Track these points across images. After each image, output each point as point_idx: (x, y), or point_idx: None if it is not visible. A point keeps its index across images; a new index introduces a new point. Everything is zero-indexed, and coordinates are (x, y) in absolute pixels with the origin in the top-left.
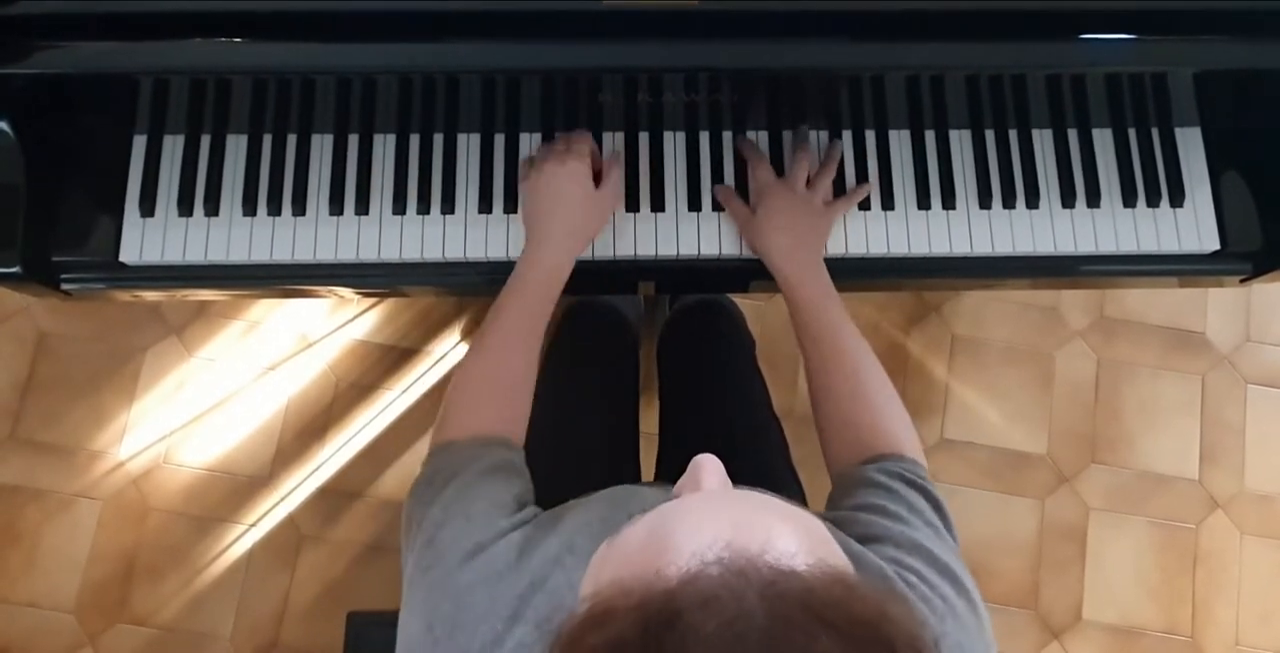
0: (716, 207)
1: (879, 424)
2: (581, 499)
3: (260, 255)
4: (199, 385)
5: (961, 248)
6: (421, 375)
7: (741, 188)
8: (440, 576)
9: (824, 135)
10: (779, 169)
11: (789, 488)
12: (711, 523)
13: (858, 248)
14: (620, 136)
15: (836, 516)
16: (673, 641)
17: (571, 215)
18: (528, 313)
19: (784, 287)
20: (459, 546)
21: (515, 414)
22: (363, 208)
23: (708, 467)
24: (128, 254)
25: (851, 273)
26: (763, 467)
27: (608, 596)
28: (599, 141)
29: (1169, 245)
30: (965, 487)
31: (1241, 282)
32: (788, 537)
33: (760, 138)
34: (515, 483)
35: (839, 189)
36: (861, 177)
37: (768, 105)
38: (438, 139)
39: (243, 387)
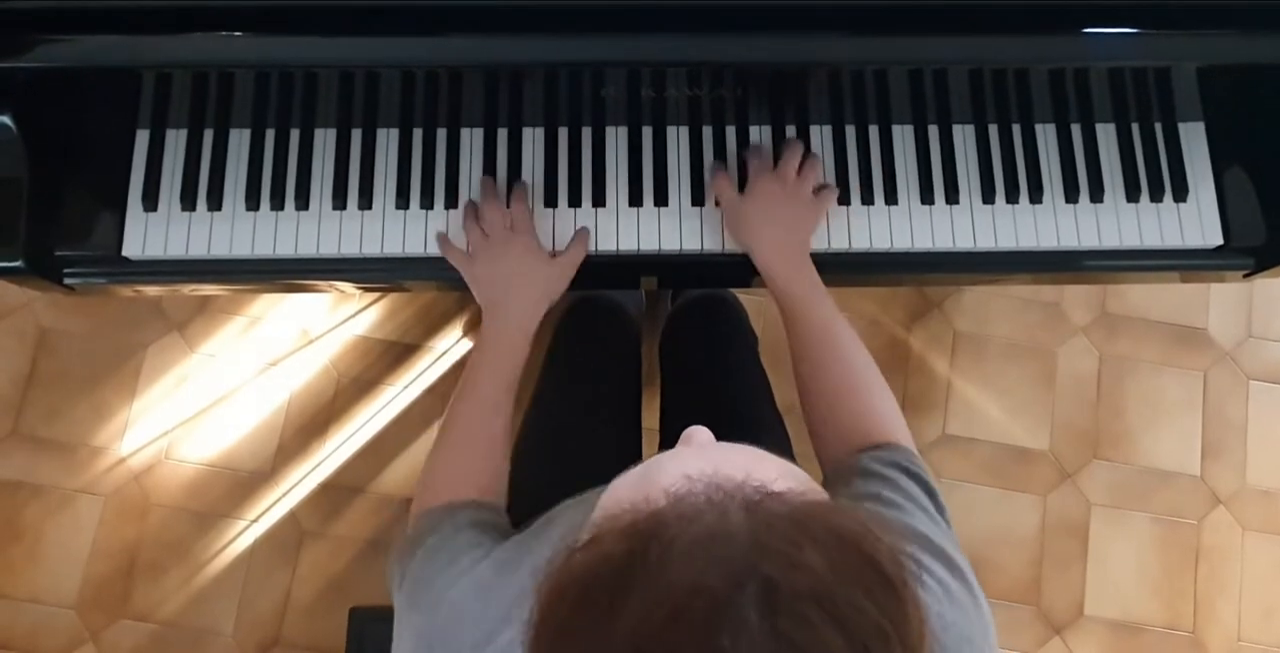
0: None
1: (871, 414)
2: (574, 500)
3: (263, 250)
4: (200, 381)
5: (964, 243)
6: (423, 371)
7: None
8: (430, 597)
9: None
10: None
11: None
12: (698, 459)
13: (861, 243)
14: (624, 131)
15: None
16: (658, 553)
17: (532, 288)
18: (498, 378)
19: (770, 280)
20: (444, 574)
21: (495, 476)
22: (366, 202)
23: (698, 432)
24: (130, 249)
25: (854, 268)
26: None
27: (595, 524)
28: (602, 136)
29: (1172, 240)
30: (967, 483)
31: (1245, 277)
32: (772, 468)
33: (764, 133)
34: (491, 534)
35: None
36: (865, 171)
37: (771, 100)
38: (441, 133)
39: (244, 382)
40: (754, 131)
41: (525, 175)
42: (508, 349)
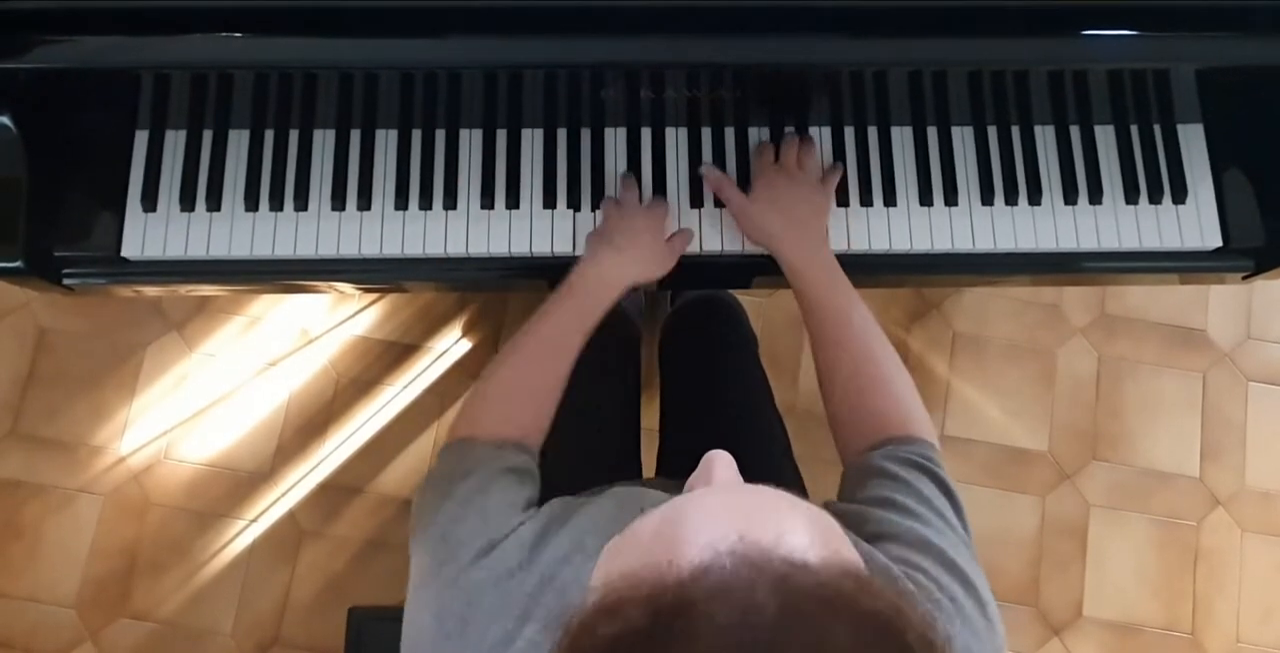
0: (719, 202)
1: (890, 406)
2: (590, 497)
3: (262, 251)
4: (200, 381)
5: (964, 244)
6: (422, 371)
7: (746, 185)
8: (453, 572)
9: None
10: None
11: (791, 485)
12: (724, 515)
13: (860, 244)
14: (622, 132)
15: (847, 509)
16: (683, 630)
17: (643, 252)
18: (574, 321)
19: (788, 270)
20: (473, 542)
21: (540, 421)
22: (365, 203)
23: (720, 462)
24: (130, 249)
25: (853, 269)
26: (765, 463)
27: (618, 587)
28: (601, 138)
29: (1171, 242)
30: (966, 484)
31: (1244, 279)
32: (800, 530)
33: (762, 135)
34: (528, 487)
35: (841, 191)
36: (864, 173)
37: (770, 102)
38: (440, 134)
39: (244, 382)
40: (753, 133)
41: (524, 176)
42: (596, 302)
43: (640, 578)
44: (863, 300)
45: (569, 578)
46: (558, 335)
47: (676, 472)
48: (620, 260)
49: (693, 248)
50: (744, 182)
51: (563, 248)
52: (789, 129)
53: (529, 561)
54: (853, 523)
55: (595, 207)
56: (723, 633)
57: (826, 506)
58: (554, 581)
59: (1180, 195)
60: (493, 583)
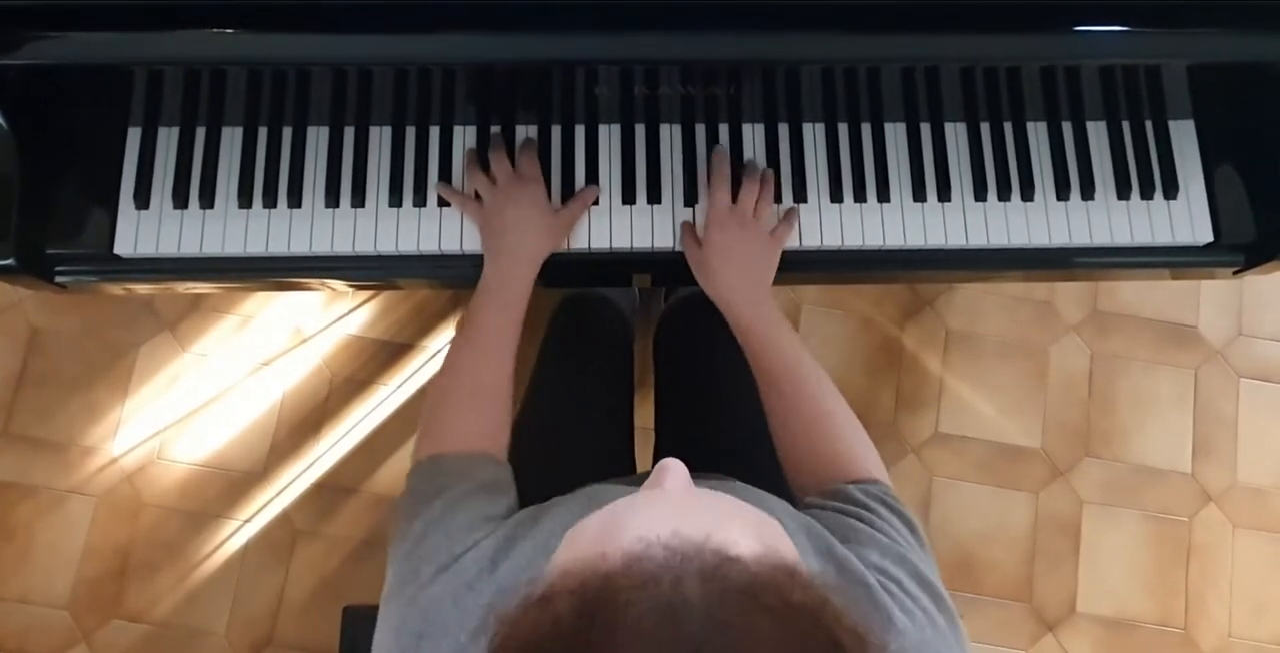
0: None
1: (846, 452)
2: (561, 499)
3: (255, 248)
4: (193, 380)
5: (956, 241)
6: (416, 370)
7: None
8: (413, 591)
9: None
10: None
11: (782, 482)
12: (662, 511)
13: (853, 240)
14: (617, 129)
15: (820, 514)
16: (606, 619)
17: (534, 236)
18: (500, 323)
19: (736, 326)
20: (435, 558)
21: (498, 425)
22: (359, 200)
23: (672, 469)
24: (122, 247)
25: (847, 266)
26: (759, 461)
27: (552, 579)
28: (595, 134)
29: (1163, 238)
30: (959, 480)
31: (1235, 274)
32: (736, 527)
33: (756, 131)
34: (501, 501)
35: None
36: (858, 169)
37: (764, 98)
38: (434, 131)
39: (237, 382)
40: (747, 129)
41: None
42: (514, 295)
43: (573, 571)
44: (853, 301)
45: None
46: (489, 336)
47: None
48: (521, 262)
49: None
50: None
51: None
52: (783, 132)
53: (487, 573)
54: (826, 523)
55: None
56: (643, 620)
57: (798, 505)
58: (514, 591)
59: (1171, 191)
60: (450, 598)
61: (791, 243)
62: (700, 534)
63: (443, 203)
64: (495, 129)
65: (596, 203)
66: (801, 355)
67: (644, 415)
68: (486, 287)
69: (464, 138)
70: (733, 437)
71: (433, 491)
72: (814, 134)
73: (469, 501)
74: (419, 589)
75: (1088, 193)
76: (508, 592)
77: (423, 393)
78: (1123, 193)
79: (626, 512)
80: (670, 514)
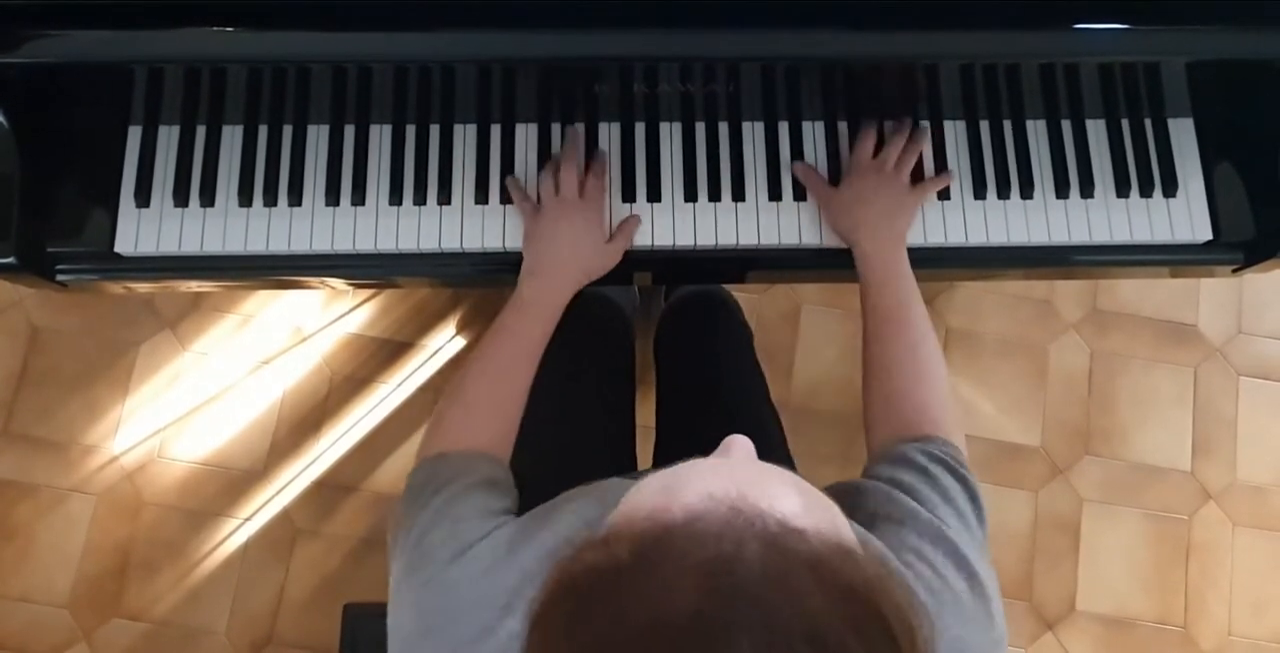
0: (713, 197)
1: (928, 404)
2: (576, 491)
3: (256, 246)
4: (193, 379)
5: (956, 238)
6: (416, 369)
7: (739, 181)
8: (429, 574)
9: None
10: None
11: None
12: (727, 474)
13: None
14: (616, 127)
15: (863, 484)
16: (666, 566)
17: (584, 261)
18: (530, 336)
19: (859, 257)
20: (446, 547)
21: (508, 432)
22: (359, 199)
23: (739, 443)
24: (123, 245)
25: (845, 265)
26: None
27: (614, 523)
28: (594, 132)
29: (1162, 235)
30: None
31: (1234, 272)
32: (798, 501)
33: (756, 129)
34: (504, 498)
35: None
36: None
37: (765, 96)
38: (434, 130)
39: (237, 381)
40: (746, 127)
41: (518, 171)
42: (550, 311)
43: (635, 518)
44: (852, 300)
45: None
46: (516, 350)
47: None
48: (564, 280)
49: (686, 241)
50: (741, 177)
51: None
52: (784, 130)
53: (509, 556)
54: (869, 496)
55: None
56: (702, 579)
57: (841, 482)
58: (537, 577)
59: (1170, 189)
60: (469, 580)
61: (788, 240)
62: (765, 501)
63: (442, 201)
64: (574, 129)
65: None
66: (916, 302)
67: (645, 414)
68: (524, 300)
69: (464, 135)
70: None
71: (437, 484)
72: (813, 132)
73: (472, 494)
74: (436, 573)
75: (1087, 191)
76: (533, 574)
77: (423, 391)
78: (1122, 191)
79: (692, 471)
80: (736, 478)
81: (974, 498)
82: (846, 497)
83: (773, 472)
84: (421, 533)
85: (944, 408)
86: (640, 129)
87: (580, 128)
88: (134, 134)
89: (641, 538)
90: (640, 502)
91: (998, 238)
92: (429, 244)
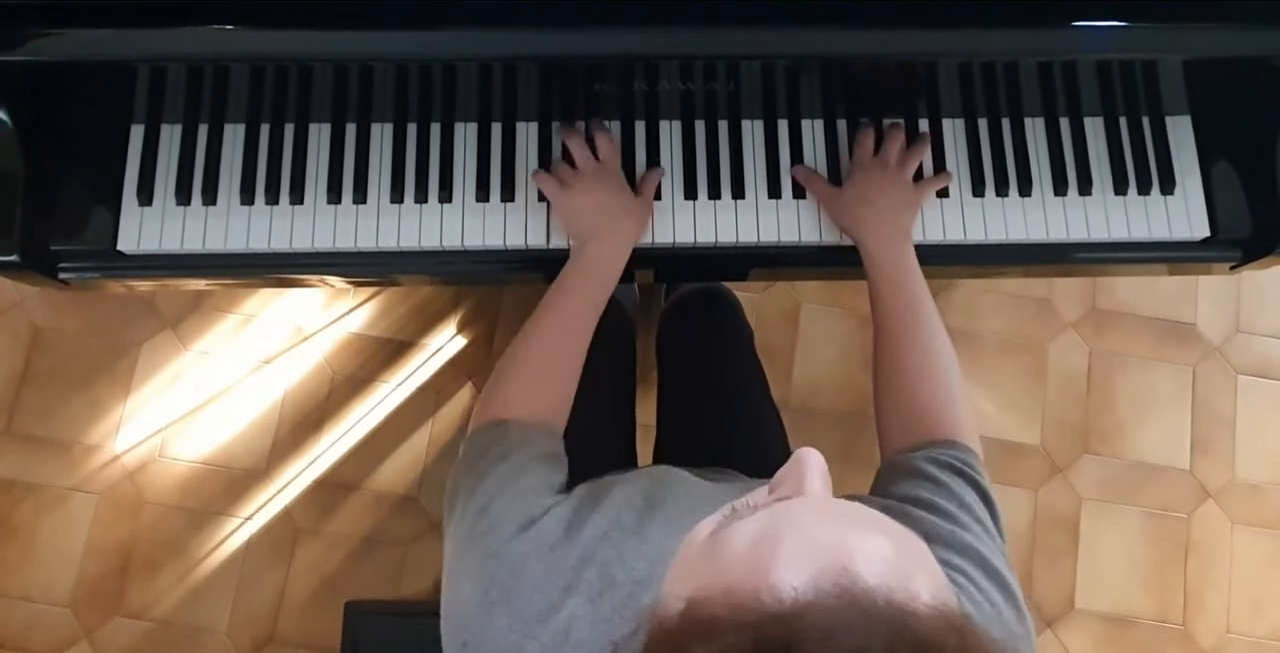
0: (713, 195)
1: (939, 407)
2: (621, 477)
3: (258, 244)
4: (194, 379)
5: (955, 236)
6: (417, 368)
7: (739, 179)
8: (495, 544)
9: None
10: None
11: None
12: (826, 539)
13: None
14: (616, 125)
15: (887, 505)
16: None
17: (630, 216)
18: (589, 299)
19: (866, 256)
20: (513, 517)
21: (565, 399)
22: (360, 197)
23: (812, 464)
24: (125, 243)
25: (846, 262)
26: (761, 457)
27: (711, 602)
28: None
29: (1160, 232)
30: None
31: (1231, 269)
32: (903, 568)
33: (756, 127)
34: (561, 472)
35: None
36: None
37: (764, 94)
38: (435, 128)
39: (238, 380)
40: (746, 125)
41: (519, 170)
42: (608, 276)
43: (736, 599)
44: (851, 299)
45: (610, 555)
46: (574, 313)
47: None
48: (613, 244)
49: (686, 239)
50: (741, 176)
51: (558, 241)
52: (783, 128)
53: (568, 537)
54: (893, 517)
55: None
56: None
57: (856, 498)
58: (594, 557)
59: (1168, 186)
60: (536, 556)
61: (788, 237)
62: (872, 577)
63: (444, 199)
64: (564, 124)
65: None
66: (925, 299)
67: (645, 412)
68: (582, 266)
69: (465, 134)
70: (735, 433)
71: (500, 453)
72: (814, 131)
73: (534, 466)
74: (502, 544)
75: (1085, 188)
76: (590, 555)
77: (424, 391)
78: (1120, 188)
79: (785, 531)
80: (834, 543)
81: (989, 502)
82: None
83: (865, 522)
84: (487, 500)
85: (955, 408)
86: (640, 127)
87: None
88: (136, 132)
89: (754, 630)
90: (731, 573)
91: (996, 235)
92: (430, 242)
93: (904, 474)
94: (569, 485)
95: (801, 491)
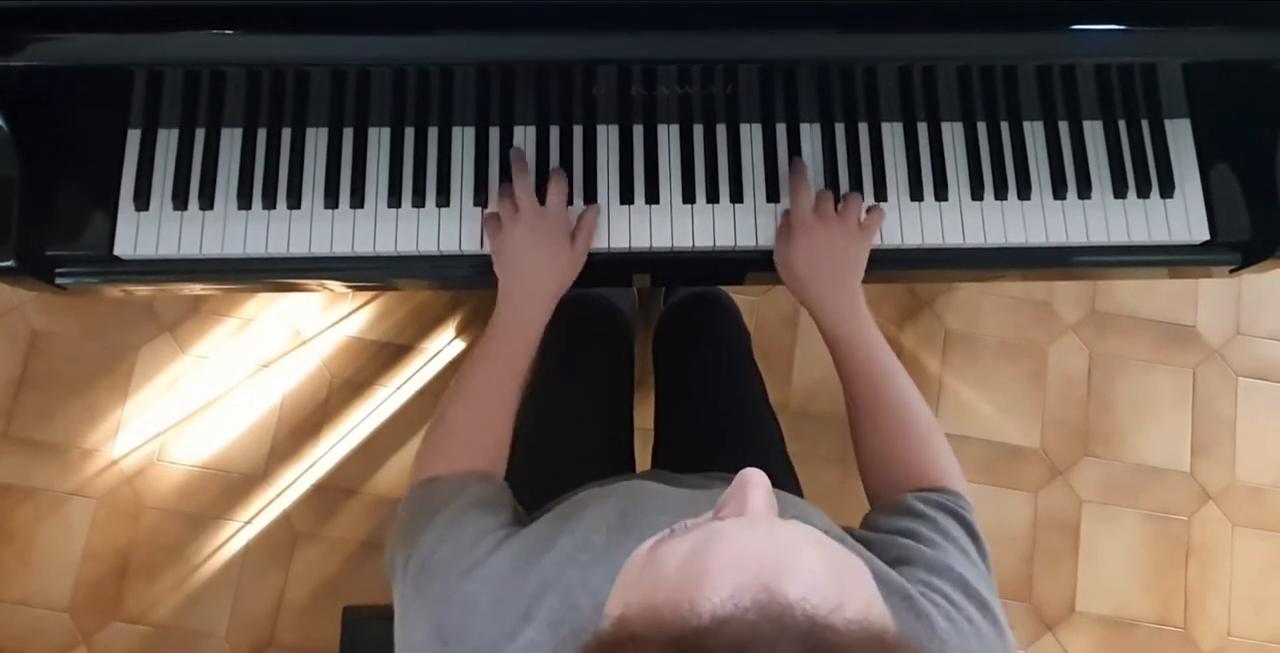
0: (711, 198)
1: (923, 462)
2: (595, 492)
3: (255, 249)
4: (192, 383)
5: (954, 239)
6: (416, 372)
7: (737, 183)
8: (441, 589)
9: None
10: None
11: (786, 483)
12: (752, 557)
13: None
14: (615, 130)
15: (868, 536)
16: None
17: (554, 276)
18: (505, 362)
19: (827, 334)
20: (455, 565)
21: (499, 449)
22: (358, 201)
23: (755, 484)
24: (122, 248)
25: None
26: (759, 462)
27: (635, 619)
28: (593, 135)
29: (1159, 236)
30: None
31: (1231, 272)
32: (828, 584)
33: (754, 131)
34: (501, 512)
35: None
36: (854, 169)
37: (762, 98)
38: (432, 132)
39: (237, 384)
40: (744, 129)
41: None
42: (530, 333)
43: (659, 616)
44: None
45: (573, 580)
46: (499, 373)
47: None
48: (533, 302)
49: (684, 243)
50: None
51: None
52: (780, 131)
53: (526, 567)
54: (873, 548)
55: (588, 201)
56: None
57: (847, 531)
58: (558, 582)
59: (1168, 190)
60: (488, 592)
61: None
62: (793, 592)
63: (441, 203)
64: (515, 149)
65: (595, 202)
66: (891, 363)
67: (644, 416)
68: (500, 323)
69: (462, 138)
70: (733, 437)
71: (433, 509)
72: (810, 134)
73: (470, 513)
74: (450, 589)
75: (1084, 191)
76: (554, 580)
77: (422, 394)
78: (1119, 191)
79: (713, 550)
80: (760, 560)
81: (976, 538)
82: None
83: (798, 539)
84: (427, 553)
85: (936, 458)
86: (638, 131)
87: (525, 144)
88: (133, 137)
89: (672, 647)
90: (660, 591)
91: (995, 239)
92: (428, 246)
93: (891, 511)
94: (569, 487)
95: (744, 511)
